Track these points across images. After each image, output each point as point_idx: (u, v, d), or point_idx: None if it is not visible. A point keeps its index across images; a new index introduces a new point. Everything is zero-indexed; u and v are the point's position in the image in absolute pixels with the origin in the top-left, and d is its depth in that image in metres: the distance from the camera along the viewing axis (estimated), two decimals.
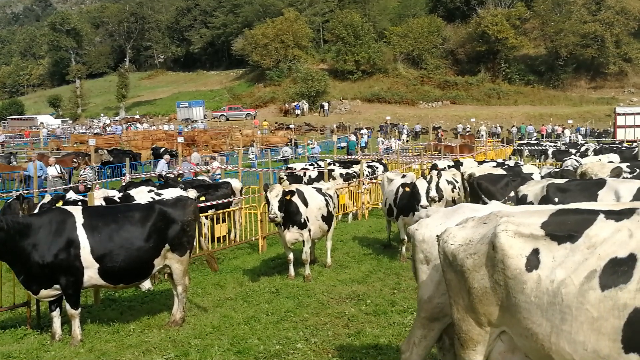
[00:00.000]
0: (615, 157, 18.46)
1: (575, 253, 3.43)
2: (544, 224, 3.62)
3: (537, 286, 3.50)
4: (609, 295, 3.20)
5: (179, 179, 15.22)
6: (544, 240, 3.58)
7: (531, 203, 8.91)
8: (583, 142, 35.05)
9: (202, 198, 12.32)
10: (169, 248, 7.56)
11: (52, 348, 7.08)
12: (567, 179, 10.50)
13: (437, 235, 4.35)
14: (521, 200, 9.25)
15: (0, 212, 11.71)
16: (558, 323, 3.38)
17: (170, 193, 11.03)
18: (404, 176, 12.26)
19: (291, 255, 10.09)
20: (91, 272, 7.17)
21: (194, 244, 8.04)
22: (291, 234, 9.86)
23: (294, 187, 10.37)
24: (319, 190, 10.73)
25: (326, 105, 64.97)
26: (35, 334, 7.69)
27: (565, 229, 3.54)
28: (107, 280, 7.32)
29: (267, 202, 9.52)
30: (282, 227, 9.76)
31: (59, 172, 20.06)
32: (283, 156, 32.86)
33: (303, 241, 10.00)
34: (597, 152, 23.91)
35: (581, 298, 3.29)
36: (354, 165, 20.09)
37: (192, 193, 11.86)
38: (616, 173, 12.07)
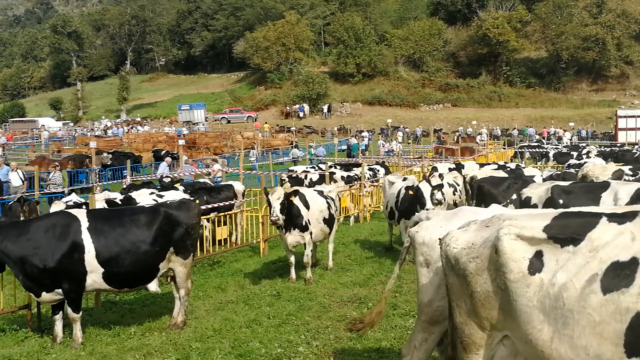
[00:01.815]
0: (601, 161, 18.46)
1: (577, 256, 3.39)
2: (546, 227, 3.59)
3: (539, 290, 3.47)
4: (610, 299, 3.16)
5: (178, 183, 15.10)
6: (546, 243, 3.55)
7: (535, 205, 8.90)
8: (584, 144, 35.03)
9: (197, 201, 12.28)
10: (173, 251, 7.52)
11: (53, 351, 7.07)
12: (571, 182, 10.48)
13: (439, 238, 4.34)
14: (525, 203, 9.22)
15: (1, 215, 11.72)
16: (560, 327, 3.34)
17: (171, 195, 11.02)
18: (405, 179, 12.24)
19: (292, 258, 10.08)
20: (95, 277, 7.11)
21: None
22: (292, 237, 9.84)
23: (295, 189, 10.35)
24: (320, 192, 10.72)
25: (325, 107, 64.99)
26: (36, 336, 7.67)
27: (567, 232, 3.51)
28: (112, 285, 7.29)
29: (269, 204, 9.50)
30: (284, 229, 9.73)
31: (22, 178, 18.51)
32: (293, 158, 32.88)
33: (304, 244, 9.98)
34: (599, 155, 23.91)
35: (582, 302, 3.25)
36: (354, 168, 20.07)
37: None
38: (617, 176, 12.06)
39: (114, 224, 7.27)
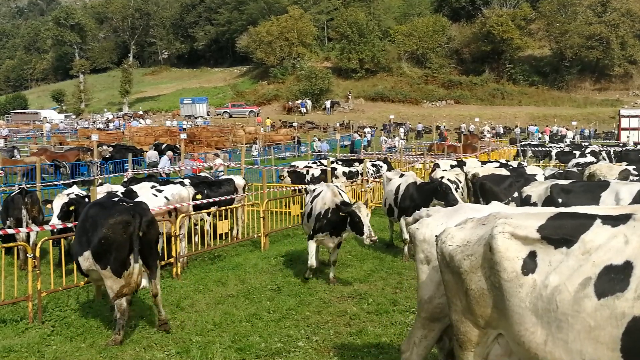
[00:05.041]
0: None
1: (569, 258, 3.36)
2: (540, 228, 3.56)
3: (532, 291, 3.45)
4: (605, 303, 3.13)
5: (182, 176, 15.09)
6: (540, 243, 3.53)
7: (535, 204, 8.89)
8: (587, 143, 34.97)
9: (199, 196, 12.30)
10: (91, 254, 7.04)
11: (53, 342, 7.10)
12: (571, 180, 10.46)
13: (436, 236, 4.33)
14: (525, 201, 9.22)
15: (3, 207, 11.72)
16: (554, 331, 3.32)
17: (170, 189, 10.99)
18: (402, 175, 12.21)
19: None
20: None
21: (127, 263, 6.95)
22: (336, 240, 9.55)
23: (335, 185, 10.26)
24: (341, 190, 10.53)
25: (328, 103, 64.91)
26: (36, 328, 7.69)
27: (561, 233, 3.48)
28: None
29: (360, 221, 8.87)
30: (332, 234, 9.42)
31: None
32: (318, 151, 32.92)
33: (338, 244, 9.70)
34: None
35: (577, 306, 3.22)
36: (355, 163, 20.06)
37: (188, 190, 11.86)
38: (624, 176, 12.07)
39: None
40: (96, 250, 6.92)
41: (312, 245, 9.55)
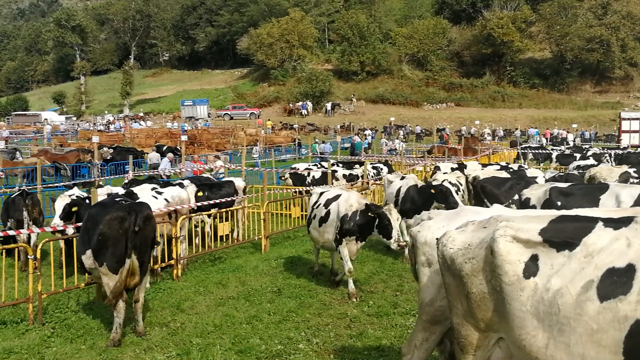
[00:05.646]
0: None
1: (572, 261, 3.35)
2: (542, 231, 3.54)
3: (533, 294, 3.43)
4: (608, 306, 3.11)
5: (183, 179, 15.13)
6: (542, 247, 3.51)
7: (534, 206, 8.88)
8: (587, 146, 34.97)
9: (200, 193, 12.33)
10: (91, 252, 7.10)
11: (53, 344, 7.10)
12: (570, 183, 10.46)
13: (437, 239, 4.33)
14: (524, 204, 9.21)
15: (3, 208, 11.72)
16: (555, 334, 3.30)
17: (170, 191, 10.99)
18: (402, 178, 12.22)
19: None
20: None
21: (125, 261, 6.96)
22: (358, 246, 9.22)
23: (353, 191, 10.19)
24: None
25: (328, 105, 64.91)
26: (37, 329, 7.69)
27: (563, 236, 3.46)
28: None
29: (389, 224, 8.53)
30: (359, 240, 9.07)
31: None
32: (321, 153, 32.62)
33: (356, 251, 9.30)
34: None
35: (579, 309, 3.21)
36: (356, 166, 20.06)
37: (191, 188, 11.90)
38: (624, 178, 12.04)
39: None
40: (95, 247, 7.00)
41: (344, 250, 8.97)
